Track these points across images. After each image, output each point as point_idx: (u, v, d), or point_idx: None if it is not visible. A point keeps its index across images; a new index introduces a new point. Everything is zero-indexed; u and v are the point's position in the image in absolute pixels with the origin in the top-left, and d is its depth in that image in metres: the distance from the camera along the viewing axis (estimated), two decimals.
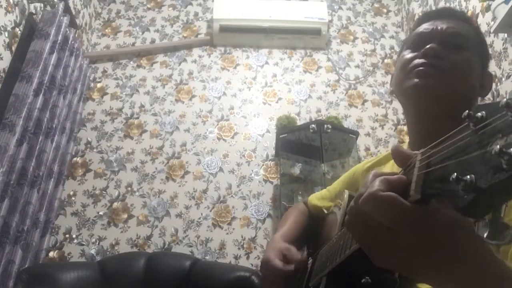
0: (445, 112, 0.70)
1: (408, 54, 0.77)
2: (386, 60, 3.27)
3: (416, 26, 0.81)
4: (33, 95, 2.12)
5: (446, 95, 0.71)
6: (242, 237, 2.57)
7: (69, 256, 2.45)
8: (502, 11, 1.80)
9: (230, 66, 3.19)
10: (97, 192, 2.66)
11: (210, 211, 2.64)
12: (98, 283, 2.01)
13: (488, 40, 2.22)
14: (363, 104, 3.05)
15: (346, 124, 2.94)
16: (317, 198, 1.04)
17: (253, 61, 3.22)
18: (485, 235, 0.29)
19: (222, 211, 2.65)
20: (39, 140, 2.21)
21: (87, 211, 2.59)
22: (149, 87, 3.06)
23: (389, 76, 2.90)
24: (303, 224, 1.00)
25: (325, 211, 0.93)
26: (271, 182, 2.76)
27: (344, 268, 0.54)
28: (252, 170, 2.79)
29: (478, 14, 2.36)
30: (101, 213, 2.60)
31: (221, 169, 2.78)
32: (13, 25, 2.20)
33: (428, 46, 0.73)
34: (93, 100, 2.99)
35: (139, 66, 3.14)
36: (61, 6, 2.42)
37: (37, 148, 2.19)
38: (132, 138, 2.86)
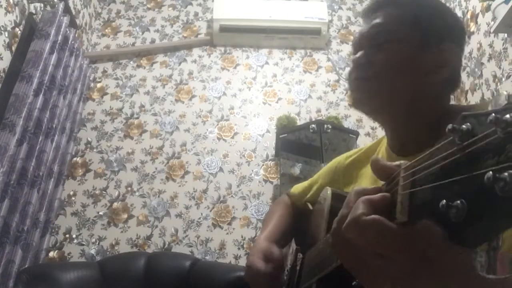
0: (404, 115, 0.67)
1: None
2: None
3: None
4: (33, 95, 2.12)
5: (383, 102, 0.67)
6: (242, 237, 2.57)
7: (69, 256, 2.46)
8: (502, 11, 1.80)
9: (230, 66, 3.19)
10: (97, 192, 2.66)
11: (210, 211, 2.64)
12: (98, 283, 2.01)
13: (488, 40, 2.22)
14: None
15: (346, 124, 2.94)
16: (300, 191, 1.02)
17: (253, 61, 3.22)
18: (482, 267, 0.27)
19: (222, 211, 2.65)
20: (39, 140, 2.21)
21: (87, 211, 2.59)
22: (149, 87, 3.06)
23: None
24: (289, 218, 0.98)
25: (310, 206, 0.92)
26: (271, 182, 2.76)
27: (334, 273, 0.54)
28: (252, 170, 2.79)
29: (478, 14, 2.36)
30: (101, 213, 2.60)
31: (221, 169, 2.78)
32: (13, 25, 2.20)
33: (353, 58, 0.71)
34: (93, 100, 2.99)
35: (139, 66, 3.14)
36: (61, 6, 2.42)
37: (37, 148, 2.19)
38: (132, 138, 2.86)
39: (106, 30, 3.31)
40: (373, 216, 0.34)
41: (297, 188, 1.05)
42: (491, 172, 0.24)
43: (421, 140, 0.34)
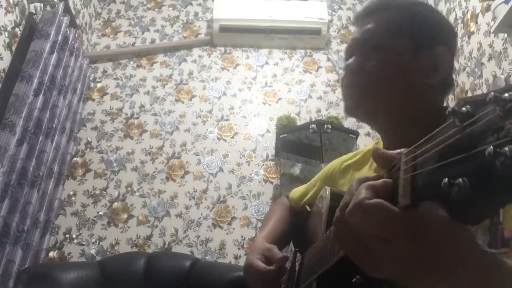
0: (397, 119, 0.67)
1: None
2: None
3: None
4: (33, 95, 2.12)
5: (376, 107, 0.67)
6: (242, 237, 2.57)
7: (69, 256, 2.46)
8: (502, 11, 1.80)
9: (230, 66, 3.19)
10: (97, 192, 2.66)
11: (210, 211, 2.64)
12: (98, 283, 2.01)
13: (488, 40, 2.22)
14: None
15: (346, 124, 2.94)
16: (299, 193, 1.02)
17: (253, 61, 3.22)
18: (484, 242, 0.28)
19: (222, 211, 2.65)
20: (39, 140, 2.21)
21: (87, 211, 2.59)
22: (149, 87, 3.06)
23: None
24: (287, 220, 0.98)
25: (308, 208, 0.92)
26: (271, 182, 2.76)
27: (334, 270, 0.54)
28: (252, 170, 2.79)
29: (478, 14, 2.36)
30: (101, 213, 2.60)
31: (221, 169, 2.78)
32: (13, 25, 2.20)
33: (345, 65, 0.71)
34: (93, 100, 2.99)
35: (139, 66, 3.14)
36: (61, 6, 2.42)
37: (37, 148, 2.19)
38: (132, 138, 2.86)
39: (106, 30, 3.31)
40: (375, 199, 0.34)
41: (295, 192, 1.05)
42: (491, 147, 0.24)
43: (416, 142, 0.34)
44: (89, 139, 2.84)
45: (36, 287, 1.88)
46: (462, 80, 2.51)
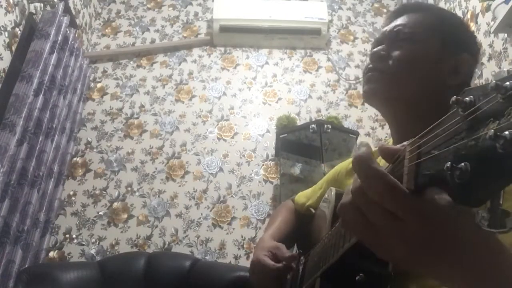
0: (411, 110, 0.69)
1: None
2: None
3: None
4: (33, 95, 2.12)
5: (396, 95, 0.69)
6: (242, 237, 2.57)
7: (69, 256, 2.45)
8: (502, 11, 1.80)
9: (230, 66, 3.19)
10: (97, 192, 2.66)
11: (210, 211, 2.64)
12: (98, 283, 2.01)
13: (488, 40, 2.22)
14: (363, 104, 3.05)
15: (346, 124, 2.94)
16: (304, 196, 1.03)
17: (253, 61, 3.22)
18: (485, 224, 0.29)
19: (222, 211, 2.65)
20: (39, 140, 2.21)
21: (87, 211, 2.59)
22: (149, 87, 3.06)
23: None
24: (292, 223, 0.99)
25: (313, 210, 0.92)
26: (271, 182, 2.76)
27: (338, 268, 0.54)
28: (252, 170, 2.79)
29: (478, 14, 2.36)
30: (101, 213, 2.60)
31: (221, 169, 2.78)
32: (13, 25, 2.20)
33: (372, 51, 0.73)
34: (93, 100, 2.99)
35: (139, 66, 3.14)
36: (61, 6, 2.42)
37: (37, 148, 2.19)
38: (132, 138, 2.86)
39: (106, 30, 3.31)
40: (391, 177, 0.35)
41: (300, 196, 1.06)
42: (492, 131, 0.25)
43: None
44: (89, 139, 2.84)
45: (36, 287, 1.87)
46: None
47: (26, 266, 2.09)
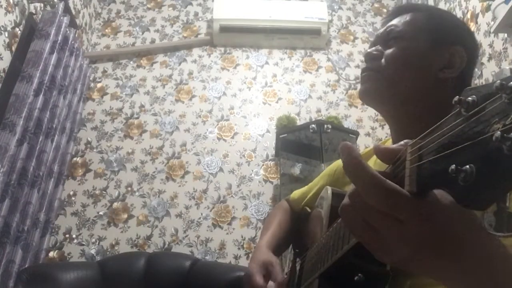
0: (407, 108, 0.69)
1: None
2: None
3: None
4: (33, 95, 2.12)
5: (390, 93, 0.70)
6: (242, 237, 2.57)
7: (69, 256, 2.46)
8: (502, 11, 1.80)
9: (230, 66, 3.19)
10: (97, 192, 2.66)
11: (210, 211, 2.64)
12: (98, 283, 2.01)
13: (488, 40, 2.22)
14: (363, 104, 3.04)
15: (346, 124, 2.94)
16: (299, 195, 1.03)
17: (253, 61, 3.22)
18: (491, 227, 0.28)
19: (222, 211, 2.65)
20: (39, 140, 2.21)
21: (87, 211, 2.59)
22: (149, 87, 3.06)
23: None
24: (287, 224, 0.99)
25: (308, 209, 0.92)
26: (271, 182, 2.76)
27: (336, 268, 0.54)
28: (252, 170, 2.79)
29: (478, 14, 2.36)
30: (101, 213, 2.60)
31: (221, 169, 2.78)
32: (13, 25, 2.20)
33: (366, 52, 0.75)
34: (93, 100, 2.99)
35: (139, 66, 3.14)
36: (61, 6, 2.42)
37: (37, 148, 2.19)
38: (132, 138, 2.86)
39: (106, 30, 3.31)
40: (390, 182, 0.34)
41: (296, 193, 1.05)
42: (499, 132, 0.24)
43: None
44: (89, 139, 2.84)
45: (36, 287, 1.88)
46: None
47: (26, 266, 2.09)
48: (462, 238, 0.33)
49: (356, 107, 3.06)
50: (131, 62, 3.15)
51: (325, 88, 3.14)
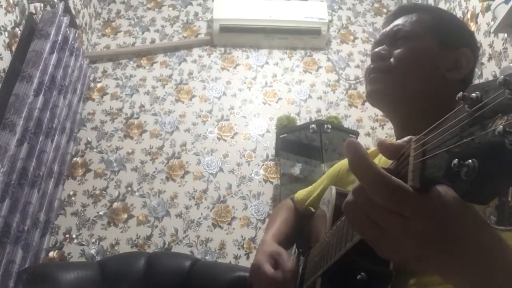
0: (415, 108, 0.69)
1: None
2: None
3: None
4: (33, 95, 2.12)
5: (401, 94, 0.70)
6: (242, 237, 2.57)
7: (69, 256, 2.46)
8: (502, 11, 1.80)
9: (230, 66, 3.19)
10: (97, 192, 2.66)
11: (210, 211, 2.64)
12: (98, 283, 2.01)
13: (488, 40, 2.22)
14: (363, 104, 3.05)
15: (346, 124, 2.94)
16: (303, 195, 1.02)
17: (253, 61, 3.22)
18: (493, 221, 0.28)
19: (222, 211, 2.65)
20: (39, 140, 2.21)
21: (87, 211, 2.59)
22: (149, 87, 3.06)
23: None
24: (292, 222, 0.98)
25: (312, 209, 0.92)
26: (271, 182, 2.76)
27: (339, 267, 0.54)
28: (252, 170, 2.79)
29: (478, 14, 2.36)
30: (101, 213, 2.60)
31: (221, 169, 2.78)
32: (13, 25, 2.20)
33: (373, 51, 0.74)
34: (93, 100, 2.99)
35: (139, 66, 3.14)
36: (61, 6, 2.42)
37: (38, 148, 2.19)
38: (132, 138, 2.86)
39: (106, 30, 3.31)
40: (394, 178, 0.34)
41: (300, 193, 1.05)
42: (501, 127, 0.24)
43: None
44: (89, 139, 2.84)
45: (36, 287, 1.88)
46: None
47: (26, 266, 2.09)
48: (465, 233, 0.33)
49: (356, 107, 3.06)
50: (131, 62, 3.15)
51: (325, 88, 3.14)
